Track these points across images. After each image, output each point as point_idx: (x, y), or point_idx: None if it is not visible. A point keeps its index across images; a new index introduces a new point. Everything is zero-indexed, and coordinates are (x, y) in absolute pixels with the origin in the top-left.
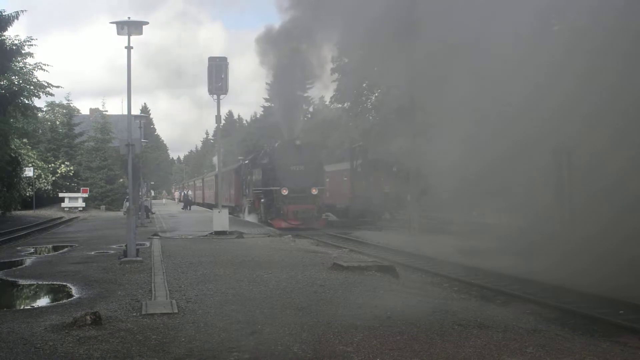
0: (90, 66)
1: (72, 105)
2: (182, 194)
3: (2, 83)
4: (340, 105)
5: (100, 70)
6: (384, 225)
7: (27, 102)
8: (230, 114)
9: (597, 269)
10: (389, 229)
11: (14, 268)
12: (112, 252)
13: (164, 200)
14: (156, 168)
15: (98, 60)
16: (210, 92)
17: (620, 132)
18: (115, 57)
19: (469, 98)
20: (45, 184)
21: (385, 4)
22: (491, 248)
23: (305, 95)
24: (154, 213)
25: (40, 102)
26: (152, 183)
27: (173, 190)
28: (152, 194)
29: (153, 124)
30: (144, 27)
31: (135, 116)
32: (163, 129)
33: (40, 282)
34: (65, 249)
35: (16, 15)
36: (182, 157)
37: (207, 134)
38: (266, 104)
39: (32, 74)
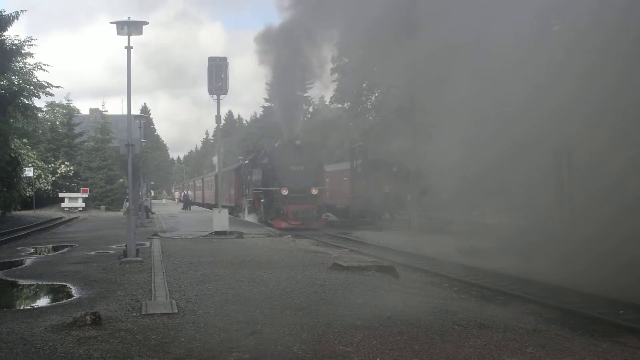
0: (90, 66)
1: (72, 105)
2: (182, 194)
3: (2, 83)
4: (340, 105)
5: (100, 70)
6: (384, 225)
7: (27, 102)
8: (230, 114)
9: (597, 269)
10: (389, 229)
11: (14, 268)
12: (112, 252)
13: (164, 201)
14: (156, 168)
15: (98, 60)
16: (210, 92)
17: (620, 132)
18: (115, 57)
19: (469, 98)
20: (45, 184)
21: (385, 4)
22: (491, 248)
23: (305, 95)
24: (154, 213)
25: (40, 102)
26: (152, 183)
27: (173, 191)
28: (152, 194)
29: (153, 124)
30: (144, 27)
31: (135, 116)
32: (163, 129)
33: (40, 282)
34: (65, 249)
35: (16, 15)
36: (182, 157)
37: (207, 134)
38: (266, 104)
39: (32, 74)
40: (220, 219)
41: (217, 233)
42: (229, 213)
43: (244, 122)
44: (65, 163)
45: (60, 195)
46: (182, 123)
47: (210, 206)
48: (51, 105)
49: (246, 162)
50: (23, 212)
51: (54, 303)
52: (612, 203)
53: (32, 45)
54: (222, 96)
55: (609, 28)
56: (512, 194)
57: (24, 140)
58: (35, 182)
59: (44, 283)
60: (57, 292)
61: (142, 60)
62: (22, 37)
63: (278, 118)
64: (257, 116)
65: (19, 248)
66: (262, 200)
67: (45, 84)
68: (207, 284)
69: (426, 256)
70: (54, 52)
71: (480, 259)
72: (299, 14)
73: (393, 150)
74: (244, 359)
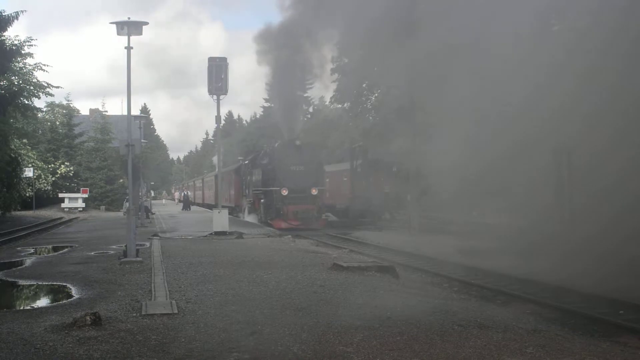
0: (90, 66)
1: (72, 105)
2: (182, 194)
3: (2, 83)
4: (340, 106)
5: (100, 71)
6: (384, 226)
7: (26, 102)
8: (230, 114)
9: (597, 269)
10: (389, 229)
11: (14, 268)
12: (112, 252)
13: (164, 201)
14: (156, 168)
15: (98, 60)
16: (210, 92)
17: (620, 132)
18: (115, 57)
19: (469, 98)
20: (45, 185)
21: (385, 4)
22: (491, 248)
23: (305, 95)
24: (154, 213)
25: (40, 103)
26: (152, 183)
27: (173, 191)
28: (152, 195)
29: (153, 124)
30: (144, 27)
31: (135, 116)
32: (163, 129)
33: (40, 283)
34: (65, 250)
35: (16, 16)
36: (182, 158)
37: (207, 134)
38: (266, 104)
39: (31, 74)
40: (220, 219)
41: (217, 233)
42: (229, 213)
43: (244, 122)
44: (65, 163)
45: (60, 195)
46: (182, 123)
47: (210, 206)
48: (51, 105)
49: (246, 162)
50: (23, 213)
51: (54, 303)
52: (612, 203)
53: (32, 45)
54: (222, 96)
55: (609, 28)
56: (512, 194)
57: (24, 140)
58: (35, 182)
59: (44, 283)
60: (57, 293)
61: (142, 61)
62: (22, 38)
63: (278, 118)
64: (257, 116)
65: (19, 248)
66: (262, 201)
67: (45, 84)
68: (207, 284)
69: (426, 256)
70: (54, 52)
71: (480, 259)
72: (299, 13)
73: (393, 151)
74: (243, 359)
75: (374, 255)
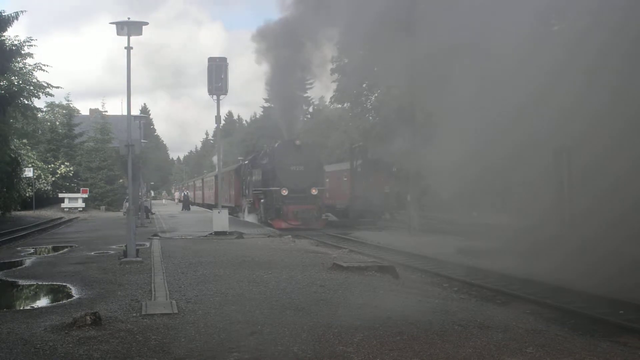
0: (90, 66)
1: (71, 105)
2: (182, 194)
3: (1, 84)
4: (340, 105)
5: (100, 71)
6: (384, 225)
7: (26, 102)
8: (230, 114)
9: (597, 269)
10: (389, 229)
11: (14, 268)
12: (112, 252)
13: (164, 201)
14: (156, 168)
15: (98, 60)
16: (210, 92)
17: (621, 132)
18: (115, 57)
19: (469, 98)
20: (45, 185)
21: (386, 4)
22: (491, 248)
23: (305, 95)
24: (154, 213)
25: (40, 103)
26: (152, 183)
27: (173, 191)
28: (152, 195)
29: (153, 124)
30: (144, 27)
31: (135, 116)
32: (163, 129)
33: (40, 283)
34: (65, 250)
35: (16, 16)
36: (182, 158)
37: (207, 134)
38: (266, 104)
39: (31, 75)
40: (220, 219)
41: (217, 233)
42: (229, 213)
43: (244, 122)
44: (65, 163)
45: (60, 195)
46: (182, 123)
47: (210, 206)
48: (51, 105)
49: (246, 162)
50: (23, 213)
51: (54, 303)
52: (612, 203)
53: (31, 45)
54: (222, 96)
55: (609, 28)
56: (512, 195)
57: (24, 140)
58: (35, 182)
59: (44, 283)
60: (57, 293)
61: (142, 61)
62: (22, 38)
63: (278, 118)
64: (257, 116)
65: (18, 248)
66: (262, 201)
67: (45, 85)
68: (207, 284)
69: (426, 256)
70: (54, 52)
71: (480, 259)
72: (300, 13)
73: (393, 151)
74: (244, 359)
75: (374, 255)
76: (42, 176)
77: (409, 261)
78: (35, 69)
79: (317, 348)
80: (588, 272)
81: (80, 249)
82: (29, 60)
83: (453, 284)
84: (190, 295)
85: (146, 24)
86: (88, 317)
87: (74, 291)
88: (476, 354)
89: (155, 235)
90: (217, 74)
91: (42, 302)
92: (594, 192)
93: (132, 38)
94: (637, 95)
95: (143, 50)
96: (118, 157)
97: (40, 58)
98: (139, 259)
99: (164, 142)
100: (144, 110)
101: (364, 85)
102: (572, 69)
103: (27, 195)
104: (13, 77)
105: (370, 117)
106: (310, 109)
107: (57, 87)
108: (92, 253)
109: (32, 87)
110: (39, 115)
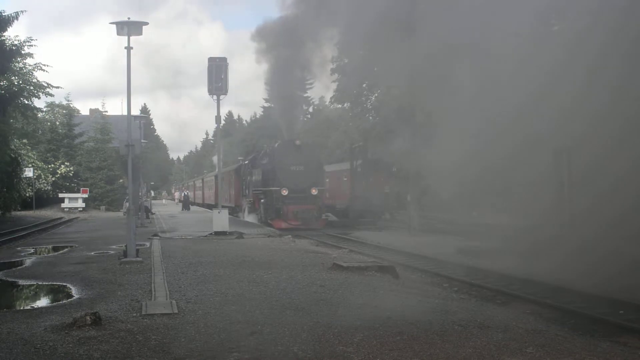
0: (90, 66)
1: (72, 105)
2: (182, 194)
3: (2, 83)
4: (340, 106)
5: (100, 71)
6: (384, 225)
7: (26, 102)
8: (230, 114)
9: (597, 269)
10: (389, 229)
11: (14, 268)
12: (112, 252)
13: (164, 201)
14: (156, 168)
15: (98, 60)
16: (210, 92)
17: (621, 132)
18: (115, 57)
19: (469, 98)
20: (45, 185)
21: (386, 4)
22: (491, 248)
23: (305, 95)
24: (154, 213)
25: (40, 103)
26: (152, 183)
27: (173, 191)
28: (152, 195)
29: (153, 124)
30: (144, 27)
31: (135, 116)
32: (163, 129)
33: (40, 283)
34: (65, 250)
35: (16, 16)
36: (182, 158)
37: (207, 134)
38: (266, 104)
39: (31, 75)
40: (220, 219)
41: (217, 233)
42: (229, 213)
43: (244, 122)
44: (65, 163)
45: (60, 195)
46: (182, 123)
47: (210, 206)
48: (51, 105)
49: (246, 162)
50: (23, 213)
51: (54, 303)
52: (612, 203)
53: (32, 45)
54: (222, 96)
55: (609, 28)
56: (513, 194)
57: (24, 140)
58: (35, 182)
59: (44, 283)
60: (57, 293)
61: (142, 61)
62: (22, 38)
63: (277, 118)
64: (257, 116)
65: (19, 248)
66: (262, 201)
67: (45, 85)
68: (207, 284)
69: (426, 256)
70: (54, 52)
71: (480, 259)
72: (300, 13)
73: (393, 151)
74: (244, 359)
75: (374, 255)
76: (42, 176)
77: (409, 261)
78: (35, 69)
79: (317, 348)
80: (588, 272)
81: (80, 249)
82: (29, 60)
83: (453, 284)
84: (190, 295)
85: (146, 24)
86: (88, 317)
87: (74, 291)
88: (476, 354)
89: (155, 235)
90: (217, 74)
91: (42, 302)
92: (594, 192)
93: (132, 38)
94: (637, 95)
95: (143, 50)
96: (118, 157)
97: (40, 58)
98: (139, 259)
99: (164, 142)
100: (144, 110)
101: (364, 85)
102: (572, 69)
103: (27, 195)
104: (13, 77)
105: (370, 117)
106: (310, 109)
107: (57, 87)
108: (92, 253)
109: (32, 87)
110: (39, 115)
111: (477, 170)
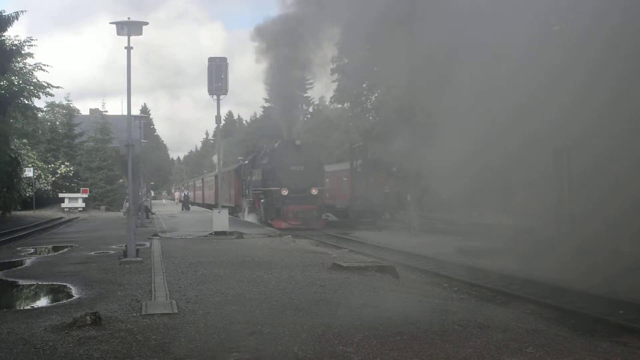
0: (90, 66)
1: (72, 105)
2: (183, 194)
3: (2, 83)
4: (340, 106)
5: (100, 71)
6: (384, 225)
7: (27, 102)
8: (230, 114)
9: (597, 269)
10: (389, 229)
11: (14, 268)
12: (112, 252)
13: (164, 201)
14: (156, 168)
15: (98, 60)
16: (210, 92)
17: (622, 133)
18: (115, 57)
19: (470, 98)
20: (45, 185)
21: (386, 4)
22: (491, 248)
23: (305, 95)
24: (154, 213)
25: (40, 103)
26: (152, 183)
27: (173, 191)
28: (152, 195)
29: (153, 124)
30: (143, 27)
31: (135, 116)
32: (163, 129)
33: (40, 283)
34: (65, 250)
35: (16, 16)
36: (182, 158)
37: (207, 134)
38: (266, 105)
39: (32, 75)
40: (220, 219)
41: (217, 233)
42: (229, 213)
43: (244, 122)
44: (65, 163)
45: (60, 195)
46: (182, 123)
47: (210, 206)
48: (51, 105)
49: (246, 162)
50: (23, 213)
51: (54, 303)
52: (613, 204)
53: (32, 45)
54: (222, 96)
55: (610, 28)
56: (512, 195)
57: (24, 140)
58: (35, 182)
59: (44, 283)
60: (57, 292)
61: (142, 61)
62: (22, 38)
63: (277, 118)
64: (257, 116)
65: (19, 248)
66: (262, 201)
67: (45, 84)
68: (207, 284)
69: (426, 256)
70: (54, 52)
71: (480, 259)
72: (300, 11)
73: (393, 151)
74: (244, 359)
75: (374, 255)
76: (42, 176)
77: (409, 261)
78: (36, 69)
79: (317, 348)
80: (588, 272)
81: (80, 249)
82: (29, 60)
83: (453, 284)
84: (190, 295)
85: (146, 23)
86: (88, 317)
87: (74, 291)
88: (476, 354)
89: (155, 235)
90: (217, 74)
91: (42, 302)
92: (594, 192)
93: (132, 38)
94: (637, 96)
95: (143, 50)
96: (118, 157)
97: (40, 58)
98: (139, 259)
99: (164, 142)
100: (144, 110)
101: (364, 85)
102: (572, 69)
103: (27, 195)
104: (13, 77)
105: (370, 117)
106: (310, 109)
107: (57, 87)
108: (92, 253)
109: (32, 87)
110: (39, 115)
111: (477, 170)
